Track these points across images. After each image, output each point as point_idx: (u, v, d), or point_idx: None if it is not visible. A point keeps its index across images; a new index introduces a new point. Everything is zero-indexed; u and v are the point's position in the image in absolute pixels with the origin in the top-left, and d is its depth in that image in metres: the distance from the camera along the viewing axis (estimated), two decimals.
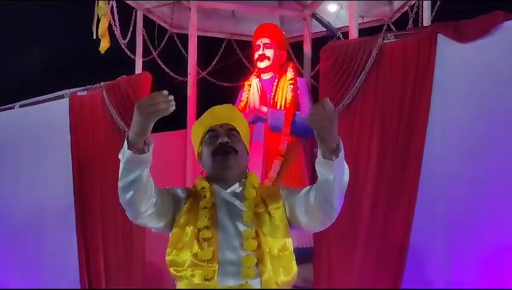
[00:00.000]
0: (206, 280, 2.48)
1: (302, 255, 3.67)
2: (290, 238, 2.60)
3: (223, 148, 2.65)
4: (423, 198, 4.31)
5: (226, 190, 2.68)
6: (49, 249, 5.84)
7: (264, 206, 2.60)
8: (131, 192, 2.45)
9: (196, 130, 2.82)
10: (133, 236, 5.28)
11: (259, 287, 2.46)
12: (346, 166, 2.40)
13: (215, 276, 2.47)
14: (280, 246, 2.54)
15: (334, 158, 2.30)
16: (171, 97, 2.30)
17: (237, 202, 2.63)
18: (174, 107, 2.29)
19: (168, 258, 2.61)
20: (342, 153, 2.33)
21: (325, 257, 4.59)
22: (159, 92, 2.30)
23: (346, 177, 2.43)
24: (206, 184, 2.69)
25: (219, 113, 2.78)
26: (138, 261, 5.25)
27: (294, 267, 2.58)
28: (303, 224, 2.60)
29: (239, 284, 2.46)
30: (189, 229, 2.57)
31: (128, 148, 2.36)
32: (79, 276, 5.50)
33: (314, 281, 4.63)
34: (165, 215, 2.63)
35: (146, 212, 2.55)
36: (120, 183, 2.46)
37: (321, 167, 2.36)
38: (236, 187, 2.69)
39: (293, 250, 2.60)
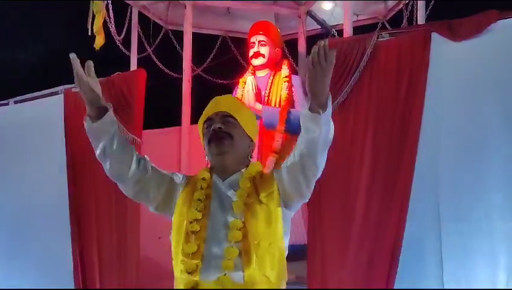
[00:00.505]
0: (189, 273, 2.48)
1: (296, 252, 3.68)
2: (281, 226, 2.52)
3: (217, 133, 2.62)
4: (417, 196, 4.32)
5: (224, 181, 2.64)
6: (43, 245, 5.83)
7: (256, 195, 2.54)
8: (107, 162, 2.56)
9: (199, 124, 2.79)
10: (127, 232, 5.29)
11: (241, 281, 2.42)
12: (332, 123, 2.41)
13: (198, 270, 2.45)
14: (269, 235, 2.48)
15: (322, 112, 2.31)
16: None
17: (231, 193, 2.59)
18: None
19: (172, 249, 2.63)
20: (330, 109, 2.34)
21: (318, 253, 4.60)
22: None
23: (331, 134, 2.44)
24: (206, 175, 2.68)
25: (216, 103, 2.75)
26: (132, 257, 5.25)
27: (284, 257, 2.53)
28: (290, 193, 2.54)
29: (216, 278, 2.42)
30: (182, 222, 2.58)
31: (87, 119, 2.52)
32: (73, 271, 5.50)
33: (307, 278, 4.64)
34: (153, 193, 2.66)
35: (131, 182, 2.61)
36: (97, 155, 2.59)
37: (308, 121, 2.36)
38: (234, 177, 2.64)
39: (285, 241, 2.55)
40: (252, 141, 2.72)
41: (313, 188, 2.55)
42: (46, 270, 5.72)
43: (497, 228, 4.07)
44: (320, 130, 2.34)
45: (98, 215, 5.46)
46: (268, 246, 2.46)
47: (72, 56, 2.44)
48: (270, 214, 2.51)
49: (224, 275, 2.42)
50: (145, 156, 2.69)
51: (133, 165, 2.58)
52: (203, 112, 2.78)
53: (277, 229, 2.50)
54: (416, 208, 4.31)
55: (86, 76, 2.45)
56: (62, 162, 5.71)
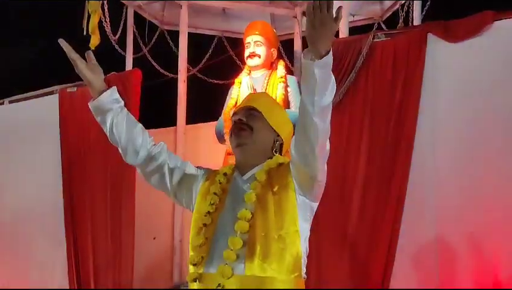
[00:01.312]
0: (194, 265, 2.49)
1: None
2: (296, 218, 2.44)
3: (237, 125, 2.61)
4: (412, 196, 4.32)
5: (243, 175, 2.61)
6: (37, 246, 5.82)
7: (269, 187, 2.49)
8: (120, 143, 2.66)
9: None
10: (122, 234, 5.28)
11: (242, 273, 2.38)
12: (332, 80, 2.28)
13: (203, 262, 2.45)
14: (280, 228, 2.41)
15: (318, 60, 2.19)
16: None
17: (247, 187, 2.55)
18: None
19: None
20: (328, 58, 2.22)
21: (314, 252, 4.58)
22: None
23: (331, 87, 2.29)
24: (228, 170, 2.68)
25: (246, 99, 2.79)
26: (127, 257, 5.24)
27: (297, 248, 2.44)
28: (301, 171, 2.44)
29: (218, 267, 2.40)
30: (196, 215, 2.59)
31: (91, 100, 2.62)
32: (67, 273, 5.49)
33: None
34: (168, 177, 2.68)
35: (146, 162, 2.67)
36: (108, 135, 2.69)
37: (303, 72, 2.25)
38: (253, 171, 2.59)
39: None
40: (278, 135, 2.65)
41: (322, 161, 2.44)
42: (41, 271, 5.71)
43: (492, 230, 4.07)
44: (316, 79, 2.21)
45: (93, 216, 5.45)
46: (278, 238, 2.40)
47: (61, 42, 2.55)
48: (282, 206, 2.45)
49: (225, 265, 2.40)
50: (163, 143, 2.74)
51: (144, 148, 2.66)
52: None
53: (290, 222, 2.44)
54: (411, 209, 4.32)
55: (81, 59, 2.55)
56: (57, 162, 5.70)
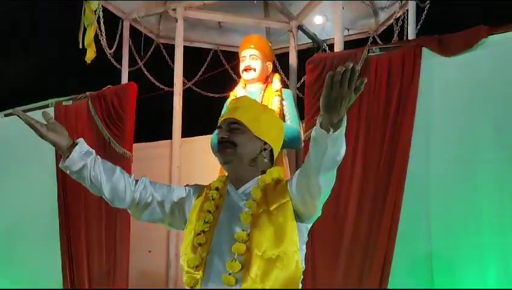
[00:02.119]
0: (190, 286, 2.47)
1: None
2: (294, 238, 2.42)
3: (221, 144, 2.59)
4: (407, 208, 4.32)
5: (238, 189, 2.60)
6: (32, 258, 5.80)
7: (266, 206, 2.46)
8: (103, 194, 2.61)
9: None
10: (116, 246, 5.28)
11: None
12: (344, 145, 2.25)
13: (199, 282, 2.44)
14: (277, 248, 2.39)
15: (331, 131, 2.15)
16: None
17: (242, 203, 2.54)
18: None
19: (180, 261, 2.61)
20: (342, 130, 2.18)
21: (309, 265, 4.59)
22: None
23: (340, 156, 2.27)
24: (220, 184, 2.66)
25: (230, 108, 2.69)
26: (122, 272, 5.23)
27: (296, 266, 2.44)
28: (300, 208, 2.45)
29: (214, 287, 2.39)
30: (190, 231, 2.56)
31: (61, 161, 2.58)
32: (62, 285, 5.47)
33: None
34: (159, 212, 2.66)
35: (133, 205, 2.63)
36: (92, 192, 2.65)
37: (316, 136, 2.22)
38: (249, 186, 2.58)
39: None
40: (265, 143, 2.62)
41: (320, 205, 2.45)
42: (35, 284, 5.68)
43: (486, 240, 4.08)
44: (326, 149, 2.20)
45: (88, 228, 5.44)
46: (275, 258, 2.39)
47: (16, 112, 2.58)
48: (280, 226, 2.42)
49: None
50: (145, 177, 2.68)
51: (129, 191, 2.60)
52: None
53: (289, 242, 2.42)
54: (407, 222, 4.32)
55: (39, 123, 2.54)
56: (52, 175, 5.69)
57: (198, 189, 2.70)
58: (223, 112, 2.76)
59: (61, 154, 2.59)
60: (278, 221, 2.43)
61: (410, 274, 4.30)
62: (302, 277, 2.52)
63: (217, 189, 2.64)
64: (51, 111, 5.86)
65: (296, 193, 2.44)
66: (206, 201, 2.61)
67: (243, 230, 2.45)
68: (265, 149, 2.62)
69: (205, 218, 2.54)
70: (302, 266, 2.49)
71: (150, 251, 5.85)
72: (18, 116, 2.53)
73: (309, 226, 2.55)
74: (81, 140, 2.58)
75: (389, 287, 4.27)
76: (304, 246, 2.52)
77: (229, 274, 2.39)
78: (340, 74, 2.04)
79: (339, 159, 2.27)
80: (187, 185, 2.76)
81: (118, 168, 2.63)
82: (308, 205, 2.43)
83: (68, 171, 2.61)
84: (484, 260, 4.09)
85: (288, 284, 2.44)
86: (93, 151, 2.61)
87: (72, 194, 5.59)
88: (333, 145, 2.20)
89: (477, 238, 4.12)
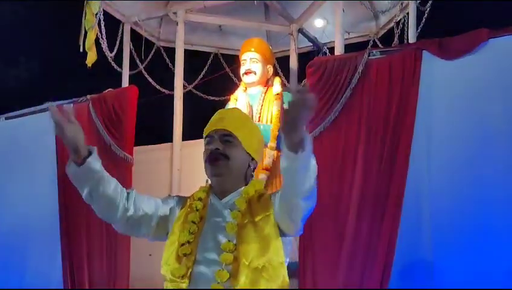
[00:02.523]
0: None
1: (287, 269, 3.66)
2: (279, 249, 2.45)
3: (212, 155, 2.58)
4: (408, 211, 4.32)
5: (222, 200, 2.61)
6: (33, 263, 5.79)
7: (250, 217, 2.49)
8: (95, 205, 2.58)
9: (204, 136, 2.74)
10: (117, 251, 5.27)
11: None
12: (312, 163, 2.28)
13: None
14: (263, 257, 2.40)
15: (299, 152, 2.20)
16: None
17: (227, 213, 2.55)
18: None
19: (161, 271, 2.59)
20: (307, 150, 2.21)
21: (310, 270, 4.60)
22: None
23: (311, 175, 2.29)
24: (203, 195, 2.66)
25: (219, 118, 2.70)
26: (122, 276, 5.23)
27: (283, 279, 2.45)
28: (282, 227, 2.48)
29: None
30: (174, 244, 2.56)
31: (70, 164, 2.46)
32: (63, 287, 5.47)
33: None
34: (146, 228, 2.64)
35: (121, 222, 2.60)
36: (84, 199, 2.56)
37: (284, 160, 2.29)
38: (232, 197, 2.60)
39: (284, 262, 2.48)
40: (252, 159, 2.66)
41: (302, 224, 2.47)
42: (36, 287, 5.68)
43: (489, 240, 4.08)
44: (296, 171, 2.26)
45: (88, 232, 5.44)
46: (262, 268, 2.40)
47: (51, 107, 2.47)
48: (265, 237, 2.45)
49: None
50: (133, 190, 2.64)
51: (121, 206, 2.56)
52: (208, 123, 2.72)
53: (273, 253, 2.44)
54: (407, 225, 4.31)
55: (66, 122, 2.44)
56: (53, 178, 5.69)
57: (182, 200, 2.71)
58: (211, 120, 2.73)
59: (73, 157, 2.47)
60: (263, 232, 2.46)
61: (410, 275, 4.30)
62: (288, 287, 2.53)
63: (200, 199, 2.65)
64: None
65: (279, 212, 2.46)
66: (190, 212, 2.60)
67: (229, 240, 2.46)
68: (251, 165, 2.67)
69: (190, 229, 2.54)
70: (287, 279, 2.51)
71: (150, 255, 5.84)
72: (50, 110, 2.46)
73: (290, 238, 2.59)
74: (94, 148, 2.50)
75: (389, 287, 4.27)
76: (288, 259, 2.55)
77: (218, 283, 2.41)
78: (300, 97, 2.11)
79: (314, 177, 2.30)
80: (169, 196, 2.76)
81: (115, 182, 2.56)
82: (289, 225, 2.47)
83: (75, 176, 2.51)
84: (486, 258, 4.08)
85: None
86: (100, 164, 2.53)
87: (72, 198, 5.57)
88: (304, 166, 2.25)
89: (478, 238, 4.11)
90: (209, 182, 2.70)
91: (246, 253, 2.42)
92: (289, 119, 2.18)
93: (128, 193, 2.60)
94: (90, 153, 2.46)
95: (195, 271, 2.46)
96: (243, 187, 2.62)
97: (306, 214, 2.41)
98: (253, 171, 2.69)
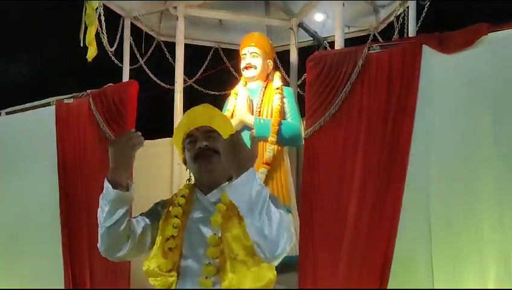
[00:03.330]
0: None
1: (287, 264, 3.68)
2: None
3: (203, 152, 2.60)
4: (408, 207, 4.33)
5: (207, 194, 2.64)
6: (33, 257, 5.80)
7: (236, 209, 2.44)
8: (114, 235, 2.53)
9: (176, 136, 2.77)
10: None
11: None
12: (252, 194, 2.22)
13: (173, 285, 2.47)
14: (247, 250, 2.41)
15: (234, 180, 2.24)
16: (139, 133, 2.48)
17: (212, 207, 2.57)
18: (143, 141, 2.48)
19: (143, 268, 2.60)
20: (240, 180, 2.22)
21: (310, 265, 4.61)
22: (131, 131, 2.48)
23: (260, 206, 2.23)
24: (186, 192, 2.68)
25: (194, 117, 2.73)
26: (123, 268, 5.24)
27: (269, 273, 2.47)
28: None
29: None
30: (158, 239, 2.58)
31: (113, 188, 2.43)
32: (63, 281, 5.48)
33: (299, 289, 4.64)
34: (147, 247, 2.66)
35: (126, 253, 2.62)
36: (104, 225, 2.51)
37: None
38: (217, 191, 2.63)
39: None
40: None
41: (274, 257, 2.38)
42: (36, 281, 5.69)
43: (487, 239, 4.09)
44: (237, 203, 2.28)
45: (89, 226, 5.44)
46: (247, 259, 2.42)
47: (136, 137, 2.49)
48: None
49: None
50: (132, 219, 2.64)
51: (129, 242, 2.58)
52: (179, 124, 2.76)
53: None
54: (407, 219, 4.32)
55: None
56: (54, 172, 5.70)
57: (166, 202, 2.73)
58: (178, 126, 2.76)
59: (118, 180, 2.48)
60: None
61: (410, 270, 4.31)
62: (276, 281, 2.54)
63: (183, 196, 2.67)
64: (52, 109, 5.86)
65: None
66: (173, 207, 2.63)
67: (214, 233, 2.48)
68: None
69: (173, 223, 2.57)
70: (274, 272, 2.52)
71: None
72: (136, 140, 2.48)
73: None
74: (132, 181, 2.54)
75: (390, 283, 4.28)
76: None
77: (206, 278, 2.43)
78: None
79: (258, 222, 2.25)
80: (154, 204, 2.78)
81: (131, 227, 2.58)
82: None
83: (117, 202, 2.48)
84: (484, 257, 4.09)
85: (263, 285, 2.46)
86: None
87: (73, 192, 5.59)
88: (236, 199, 2.27)
89: (477, 235, 4.12)
90: (192, 180, 2.72)
91: (230, 245, 2.43)
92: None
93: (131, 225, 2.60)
94: (127, 185, 2.50)
95: (182, 265, 2.50)
96: (227, 182, 2.63)
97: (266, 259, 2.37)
98: None
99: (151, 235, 2.65)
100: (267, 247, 2.27)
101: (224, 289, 2.40)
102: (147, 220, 2.67)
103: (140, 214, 2.72)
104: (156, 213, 2.70)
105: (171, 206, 2.66)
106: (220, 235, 2.47)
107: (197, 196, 2.67)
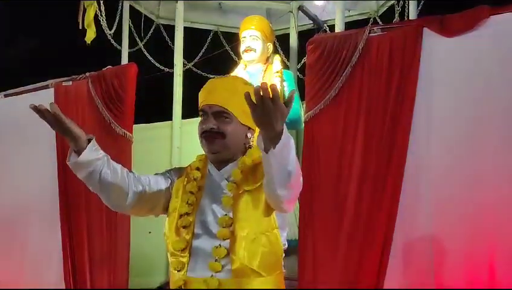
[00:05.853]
0: (177, 270, 2.50)
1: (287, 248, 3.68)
2: (272, 217, 2.47)
3: (208, 134, 2.55)
4: (407, 190, 4.33)
5: (220, 170, 2.60)
6: (33, 241, 5.81)
7: (246, 185, 2.49)
8: (104, 194, 2.55)
9: (199, 101, 2.68)
10: (117, 227, 5.28)
11: (228, 277, 2.41)
12: (291, 156, 2.18)
13: (186, 266, 2.46)
14: (258, 227, 2.43)
15: (272, 148, 2.12)
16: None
17: (224, 183, 2.55)
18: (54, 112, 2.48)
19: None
20: (280, 145, 2.11)
21: (310, 248, 4.61)
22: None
23: (291, 171, 2.20)
24: (201, 164, 2.66)
25: (210, 91, 2.63)
26: (122, 253, 5.24)
27: (279, 245, 2.49)
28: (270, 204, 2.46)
29: (204, 278, 2.42)
30: (172, 214, 2.57)
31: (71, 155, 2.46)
32: (63, 266, 5.48)
33: (298, 272, 4.64)
34: (155, 208, 2.65)
35: (129, 207, 2.59)
36: (90, 188, 2.58)
37: (262, 156, 2.21)
38: (229, 167, 2.59)
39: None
40: (249, 128, 2.61)
41: (290, 206, 2.44)
42: (35, 265, 5.70)
43: (489, 227, 4.08)
44: (271, 166, 2.17)
45: (88, 209, 5.44)
46: (258, 237, 2.43)
47: (52, 106, 2.52)
48: (260, 206, 2.46)
49: (211, 276, 2.42)
50: (134, 173, 2.61)
51: (130, 192, 2.55)
52: (200, 94, 2.68)
53: (269, 220, 2.46)
54: (407, 205, 4.32)
55: (62, 117, 2.46)
56: (53, 155, 5.69)
57: (179, 171, 2.71)
58: (202, 91, 2.69)
59: (73, 146, 2.47)
60: (258, 201, 2.46)
61: (409, 259, 4.31)
62: (283, 254, 2.56)
63: (197, 169, 2.65)
64: (50, 92, 5.84)
65: (265, 192, 2.42)
66: (188, 182, 2.61)
67: (226, 214, 2.47)
68: (248, 134, 2.62)
69: (188, 200, 2.56)
70: (284, 243, 2.53)
71: (150, 232, 5.86)
72: (51, 110, 2.48)
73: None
74: (92, 136, 2.50)
75: (389, 268, 4.29)
76: (284, 228, 2.55)
77: (215, 260, 2.43)
78: (259, 94, 2.01)
79: (291, 169, 2.21)
80: (168, 170, 2.75)
81: (120, 168, 2.56)
82: (275, 207, 2.44)
83: (78, 166, 2.51)
84: (484, 248, 4.09)
85: (272, 264, 2.48)
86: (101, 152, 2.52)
87: (72, 176, 5.55)
88: (278, 161, 2.17)
89: (478, 225, 4.11)
90: None
91: (242, 225, 2.44)
92: (255, 119, 2.10)
93: (134, 178, 2.58)
94: (88, 141, 2.46)
95: (194, 245, 2.48)
96: (240, 157, 2.60)
97: (289, 200, 2.37)
98: (251, 141, 2.65)
99: (164, 196, 2.63)
100: (283, 201, 2.33)
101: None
102: (160, 181, 2.64)
103: (155, 174, 2.70)
104: (169, 182, 2.67)
105: (184, 179, 2.63)
106: (231, 215, 2.46)
107: (209, 170, 2.64)
